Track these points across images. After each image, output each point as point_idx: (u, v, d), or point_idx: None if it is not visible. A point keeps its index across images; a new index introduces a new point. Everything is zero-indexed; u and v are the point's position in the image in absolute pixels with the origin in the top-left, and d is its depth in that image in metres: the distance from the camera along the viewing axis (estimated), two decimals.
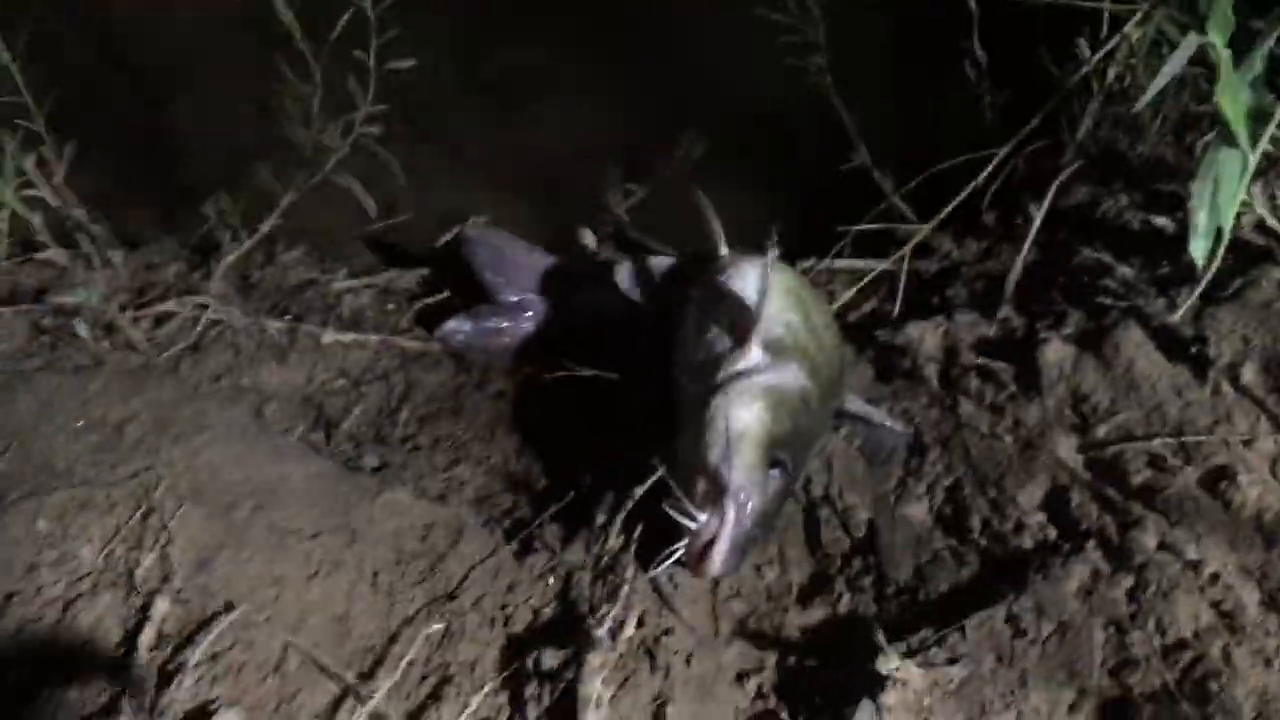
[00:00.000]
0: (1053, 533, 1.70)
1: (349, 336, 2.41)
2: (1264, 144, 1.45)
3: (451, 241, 2.76)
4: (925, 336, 2.12)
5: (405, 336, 2.47)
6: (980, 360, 2.01)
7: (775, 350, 1.85)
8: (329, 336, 2.39)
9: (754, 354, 1.84)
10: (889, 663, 1.51)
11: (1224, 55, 1.42)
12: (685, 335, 2.01)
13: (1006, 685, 1.50)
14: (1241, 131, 1.43)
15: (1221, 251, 1.55)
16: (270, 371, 2.26)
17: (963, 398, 1.98)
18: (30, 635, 1.62)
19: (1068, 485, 1.74)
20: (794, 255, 2.56)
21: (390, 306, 2.63)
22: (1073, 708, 1.46)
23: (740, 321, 1.91)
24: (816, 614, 1.80)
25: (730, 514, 1.64)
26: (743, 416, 1.75)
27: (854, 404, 2.03)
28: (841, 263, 2.54)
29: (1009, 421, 1.88)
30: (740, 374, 1.82)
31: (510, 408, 2.28)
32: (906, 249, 2.37)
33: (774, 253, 1.92)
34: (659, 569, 1.70)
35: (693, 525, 1.66)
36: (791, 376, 1.83)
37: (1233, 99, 1.43)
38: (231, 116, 3.12)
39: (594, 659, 1.54)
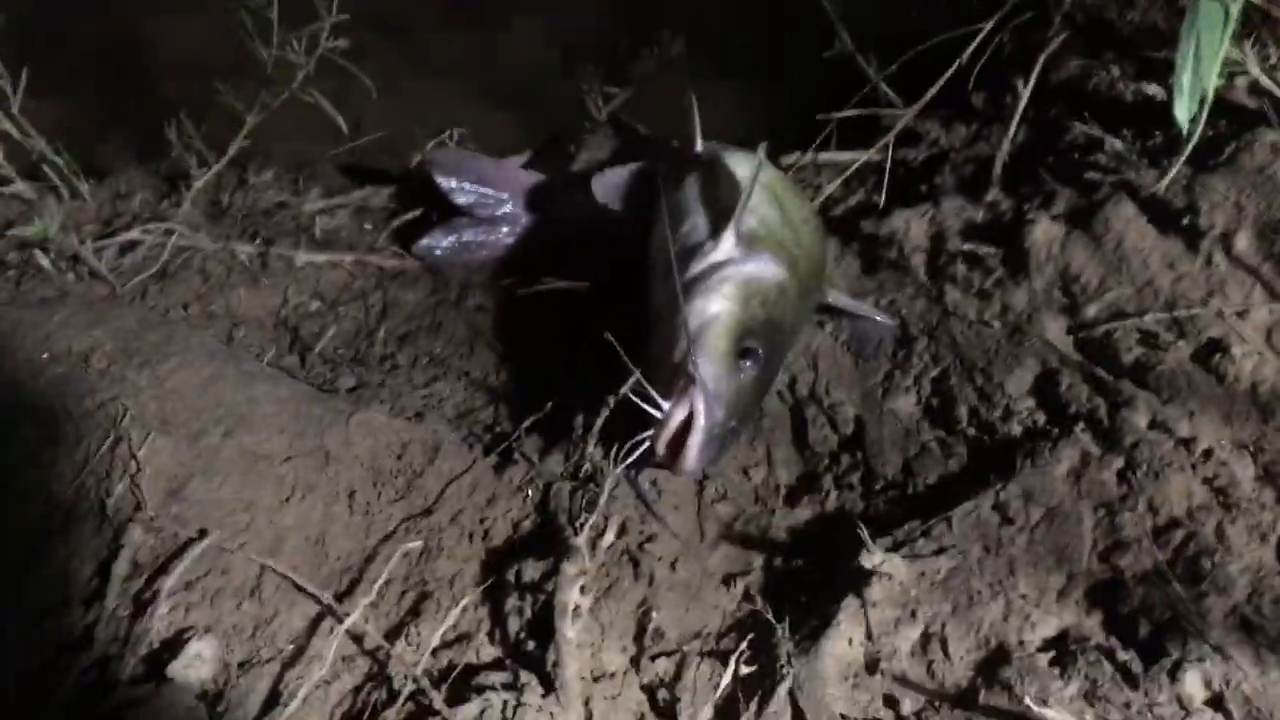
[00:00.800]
0: (1042, 418, 1.65)
1: (322, 257, 2.36)
2: None
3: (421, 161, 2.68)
4: (911, 225, 2.05)
5: (381, 255, 2.41)
6: (967, 246, 1.94)
7: (749, 243, 1.80)
8: (302, 258, 2.33)
9: (727, 245, 1.79)
10: (873, 557, 1.47)
11: None
12: (659, 233, 1.95)
13: (994, 574, 1.46)
14: None
15: (1205, 114, 1.46)
16: (241, 296, 2.21)
17: (949, 286, 1.91)
18: (3, 570, 1.60)
19: (1057, 368, 1.68)
20: (778, 149, 2.49)
21: (366, 226, 2.56)
22: (1062, 593, 1.42)
23: (715, 215, 1.86)
24: (803, 514, 1.76)
25: (699, 402, 1.57)
26: (711, 306, 1.71)
27: (838, 297, 1.98)
28: (826, 155, 2.45)
29: (996, 307, 1.82)
30: (712, 266, 1.77)
31: (489, 322, 2.23)
32: (889, 136, 2.28)
33: (762, 152, 1.88)
34: (628, 463, 1.64)
35: (659, 415, 1.60)
36: (766, 267, 1.78)
37: None
38: (197, 35, 3.04)
39: (570, 568, 1.50)
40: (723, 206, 1.86)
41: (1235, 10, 1.35)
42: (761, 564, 1.69)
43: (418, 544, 1.65)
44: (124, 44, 3.25)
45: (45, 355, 1.83)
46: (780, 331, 1.76)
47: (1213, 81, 1.42)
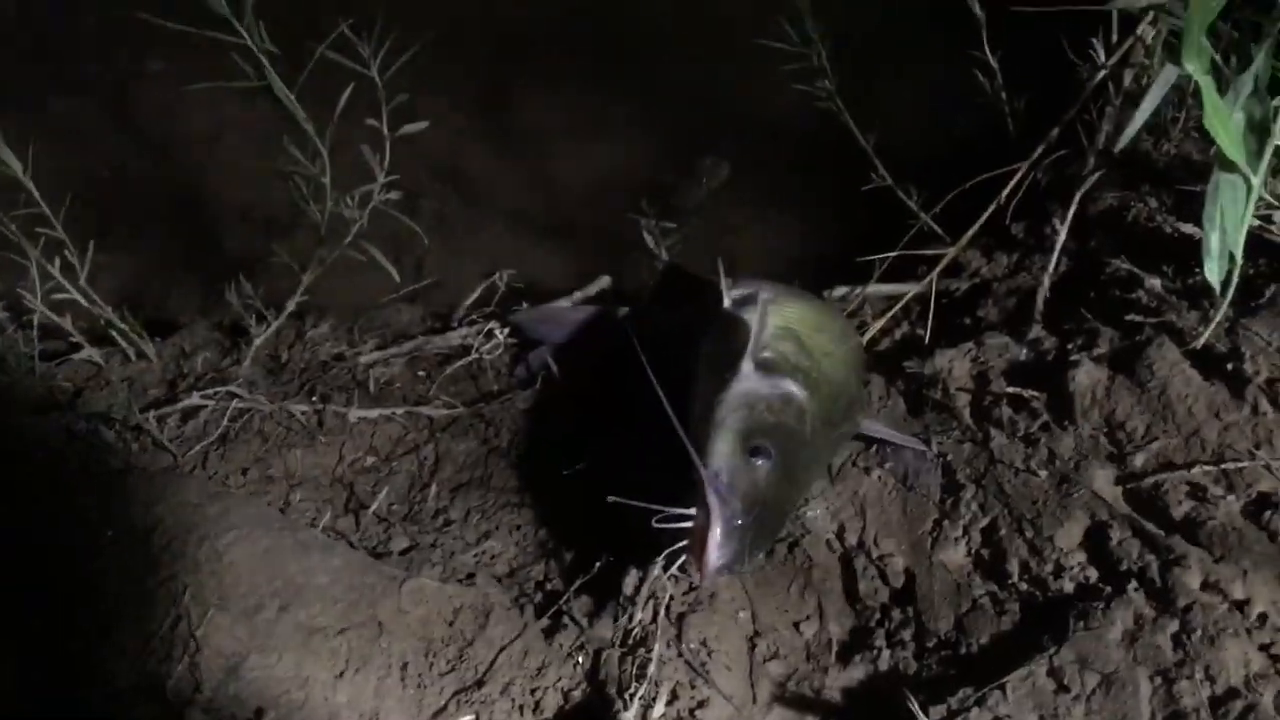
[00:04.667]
0: (1093, 574, 1.62)
1: (375, 412, 2.40)
2: (1268, 160, 1.36)
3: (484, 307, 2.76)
4: (954, 365, 2.05)
5: (433, 405, 2.45)
6: (1011, 389, 1.93)
7: (767, 369, 1.88)
8: (355, 414, 2.38)
9: (744, 370, 1.87)
10: None
11: (1204, 84, 1.33)
12: (696, 384, 1.99)
13: None
14: (1238, 157, 1.34)
15: (1236, 276, 1.45)
16: (299, 457, 2.25)
17: (994, 430, 1.90)
18: None
19: (1106, 521, 1.66)
20: (823, 283, 2.52)
21: (420, 374, 2.62)
22: None
23: (734, 353, 1.93)
24: (857, 674, 1.74)
25: (711, 499, 1.63)
26: (722, 416, 1.80)
27: (871, 426, 2.01)
28: (871, 288, 2.47)
29: (1043, 454, 1.80)
30: (729, 390, 1.84)
31: (537, 471, 2.26)
32: (934, 272, 2.29)
33: (765, 295, 1.94)
34: (667, 573, 1.72)
35: (684, 524, 1.64)
36: (779, 385, 1.86)
37: (1222, 125, 1.34)
38: (256, 183, 3.16)
39: None
40: (739, 344, 1.95)
41: (1257, 183, 1.36)
42: None
43: (470, 718, 1.66)
44: (186, 193, 3.39)
45: (110, 533, 1.88)
46: (796, 441, 1.81)
47: (1240, 246, 1.41)
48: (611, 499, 1.66)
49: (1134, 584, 1.55)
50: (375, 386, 2.54)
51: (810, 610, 1.84)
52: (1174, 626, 1.47)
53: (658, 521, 1.63)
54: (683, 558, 1.69)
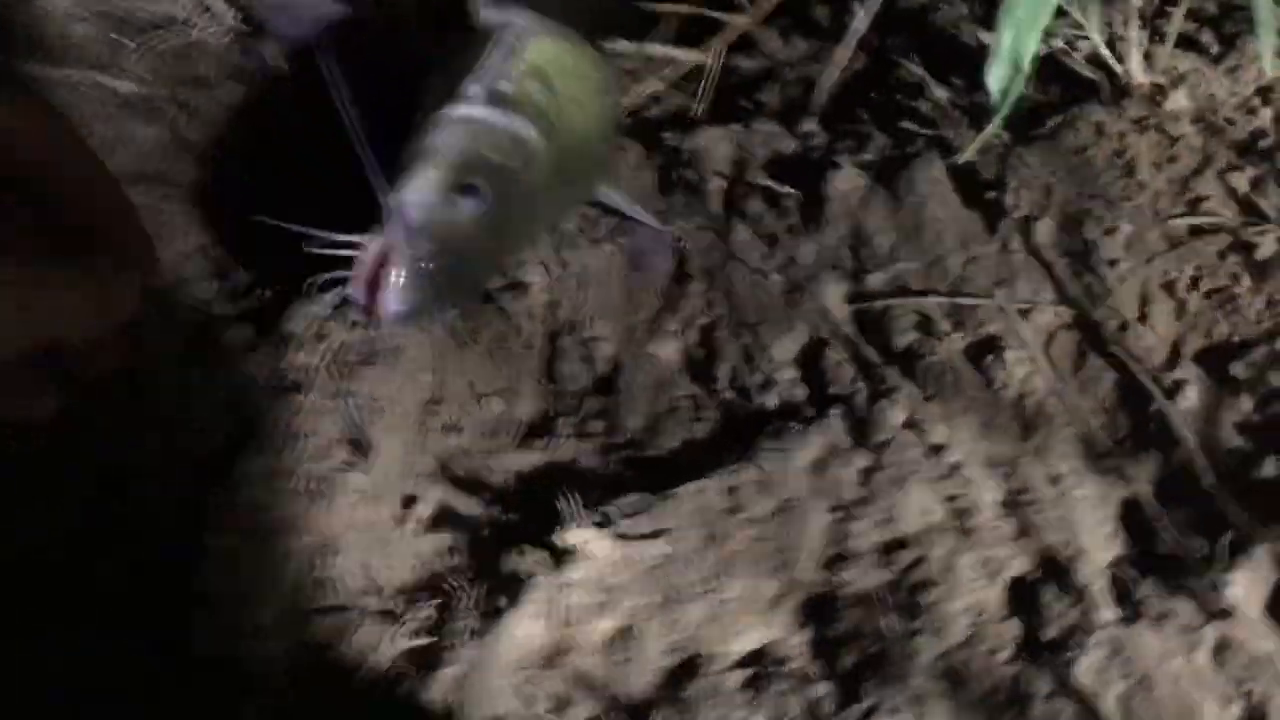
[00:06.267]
0: (800, 393, 1.48)
1: (58, 73, 2.00)
2: None
3: None
4: (716, 146, 1.83)
5: (123, 77, 2.06)
6: (768, 181, 1.73)
7: (499, 101, 1.58)
8: (33, 70, 1.97)
9: (472, 93, 1.57)
10: (575, 535, 1.31)
11: None
12: (424, 99, 1.70)
13: (709, 569, 1.30)
14: None
15: (1020, 84, 1.28)
16: None
17: (740, 223, 1.71)
18: None
19: (825, 339, 1.52)
20: (597, 32, 2.23)
21: (114, 38, 2.19)
22: (773, 603, 1.28)
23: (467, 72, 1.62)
24: (533, 458, 1.56)
25: (395, 232, 1.34)
26: (433, 142, 1.49)
27: (609, 195, 1.77)
28: (654, 49, 2.19)
29: (781, 258, 1.63)
30: (450, 113, 1.54)
31: (223, 173, 1.93)
32: (722, 43, 2.04)
33: (522, 23, 1.66)
34: (326, 303, 1.43)
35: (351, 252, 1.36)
36: (509, 120, 1.57)
37: None
38: None
39: None
40: (475, 63, 1.64)
41: None
42: (480, 509, 1.51)
43: None
44: None
45: None
46: (516, 189, 1.54)
47: (1031, 49, 1.23)
48: (263, 219, 1.36)
49: (839, 410, 1.42)
50: (60, 44, 2.12)
51: (502, 384, 1.64)
52: (864, 461, 1.35)
53: (314, 247, 1.35)
54: (346, 291, 1.39)
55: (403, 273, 1.36)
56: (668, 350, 1.63)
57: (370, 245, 1.36)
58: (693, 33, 2.25)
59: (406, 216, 1.39)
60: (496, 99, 1.59)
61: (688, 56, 2.05)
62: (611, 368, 1.65)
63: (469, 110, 1.56)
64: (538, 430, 1.60)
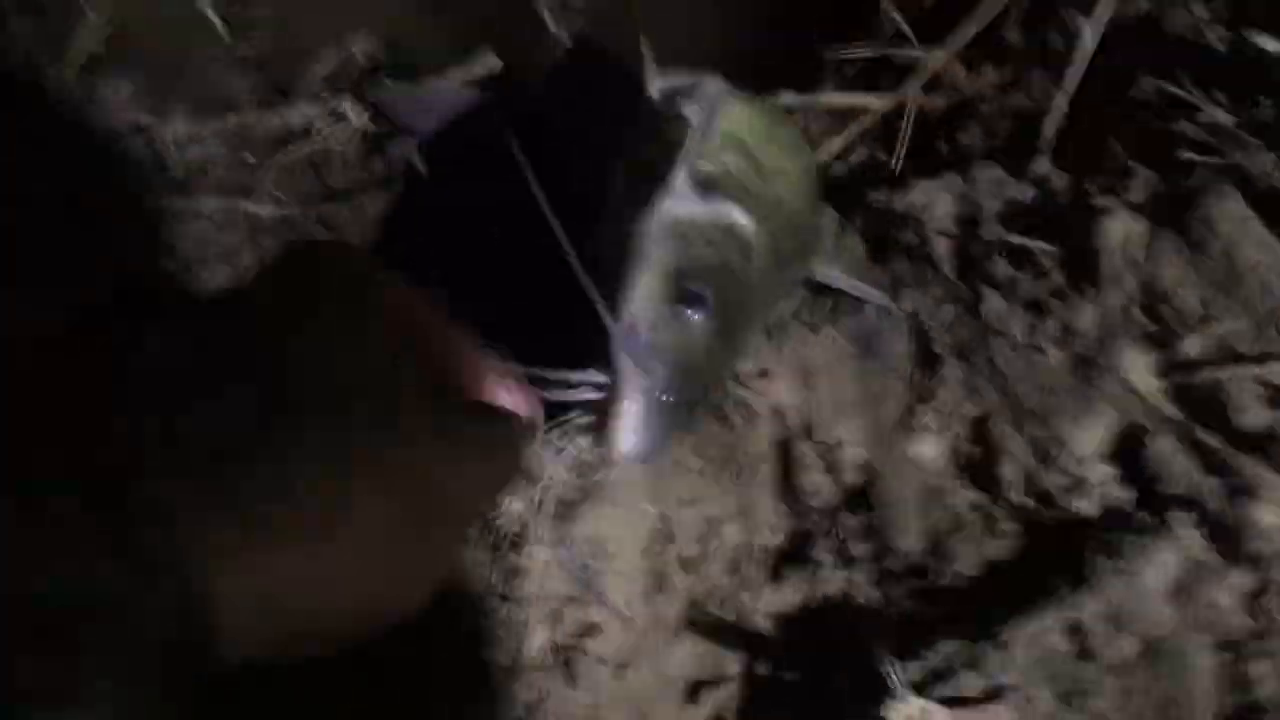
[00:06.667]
0: (1124, 494, 1.22)
1: (178, 203, 1.84)
2: None
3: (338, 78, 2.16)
4: (935, 201, 1.59)
5: (257, 199, 1.90)
6: (1013, 237, 1.48)
7: (707, 187, 1.35)
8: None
9: (678, 186, 1.34)
10: (903, 707, 1.06)
11: None
12: (607, 204, 1.48)
13: None
14: None
15: None
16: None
17: (987, 289, 1.46)
18: None
19: (1144, 425, 1.25)
20: (763, 85, 2.01)
21: (244, 159, 2.04)
22: None
23: (664, 163, 1.38)
24: (793, 596, 1.33)
25: (624, 364, 1.14)
26: (645, 248, 1.27)
27: (827, 273, 1.53)
28: (835, 98, 1.96)
29: (1054, 328, 1.37)
30: (656, 212, 1.31)
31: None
32: (913, 82, 1.80)
33: (712, 89, 1.45)
34: (559, 452, 1.26)
35: (585, 394, 1.15)
36: (721, 209, 1.34)
37: None
38: None
39: None
40: (675, 149, 1.39)
41: None
42: (740, 670, 1.27)
43: None
44: None
45: None
46: (739, 286, 1.31)
47: None
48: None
49: (1183, 514, 1.15)
50: (183, 170, 1.96)
51: (733, 509, 1.41)
52: (1244, 580, 1.09)
53: (553, 396, 1.13)
54: (579, 435, 1.22)
55: (637, 408, 1.14)
56: (931, 451, 1.39)
57: (612, 381, 1.13)
58: (856, 76, 2.04)
59: (636, 342, 1.16)
60: (700, 183, 1.37)
61: (880, 103, 1.81)
62: (863, 477, 1.41)
63: (677, 206, 1.33)
64: (789, 558, 1.36)
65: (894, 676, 1.06)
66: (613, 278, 1.26)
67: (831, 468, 1.42)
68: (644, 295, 1.23)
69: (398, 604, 0.64)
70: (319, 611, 0.57)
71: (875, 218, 1.65)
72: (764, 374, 1.50)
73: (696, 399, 1.25)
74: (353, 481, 0.57)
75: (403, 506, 0.60)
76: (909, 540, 1.31)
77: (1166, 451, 1.21)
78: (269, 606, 0.54)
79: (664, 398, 1.15)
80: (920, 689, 1.08)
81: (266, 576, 0.53)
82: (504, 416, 0.75)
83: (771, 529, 1.40)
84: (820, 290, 1.57)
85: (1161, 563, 1.12)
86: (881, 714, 1.04)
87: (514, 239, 1.57)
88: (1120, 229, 1.39)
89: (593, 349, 1.19)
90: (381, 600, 0.62)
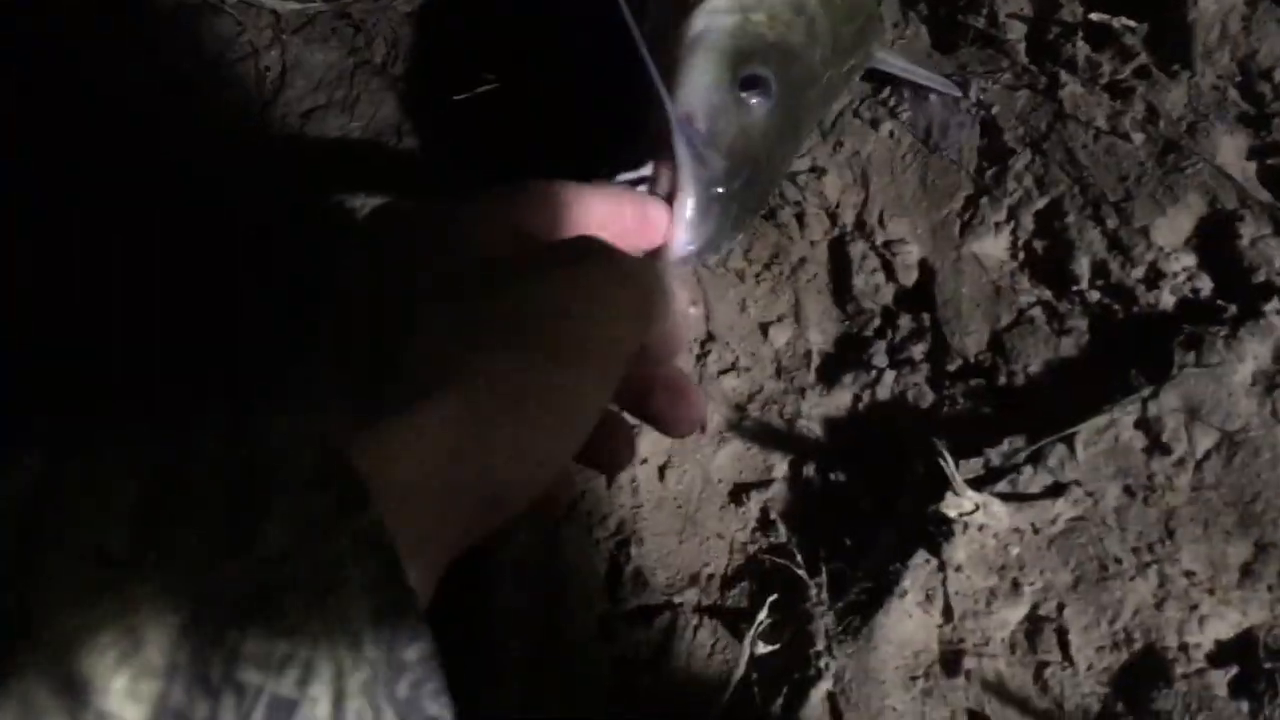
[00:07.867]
0: (1207, 285, 1.13)
1: None
2: None
3: None
4: None
5: None
6: (1094, 15, 1.35)
7: None
8: None
9: None
10: (960, 504, 1.00)
11: None
12: None
13: (1142, 533, 0.99)
14: None
15: None
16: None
17: (1065, 73, 1.34)
18: None
19: (1234, 211, 1.15)
20: None
21: None
22: (1246, 571, 0.95)
23: None
24: (844, 398, 1.26)
25: (682, 153, 0.99)
26: (700, 27, 1.12)
27: (888, 59, 1.40)
28: None
29: (1139, 110, 1.26)
30: None
31: (422, 95, 1.65)
32: None
33: None
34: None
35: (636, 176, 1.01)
36: None
37: None
38: None
39: None
40: None
41: None
42: (786, 472, 1.21)
43: None
44: None
45: None
46: (803, 70, 1.19)
47: None
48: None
49: (1274, 303, 1.06)
50: None
51: (784, 310, 1.33)
52: None
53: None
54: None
55: (694, 203, 1.04)
56: (996, 246, 1.29)
57: (662, 174, 1.03)
58: None
59: (692, 130, 1.06)
60: None
61: None
62: (921, 275, 1.32)
63: None
64: (841, 363, 1.29)
65: (951, 473, 0.99)
66: (665, 56, 1.16)
67: (887, 266, 1.33)
68: (701, 80, 1.11)
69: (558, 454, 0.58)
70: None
71: (939, 1, 1.52)
72: (816, 170, 1.40)
73: (755, 195, 1.16)
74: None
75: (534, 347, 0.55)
76: (970, 340, 1.24)
77: (1258, 238, 1.11)
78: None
79: (719, 191, 1.05)
80: (978, 486, 1.02)
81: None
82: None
83: (822, 331, 1.32)
84: (880, 82, 1.45)
85: (1246, 353, 1.03)
86: (938, 510, 0.98)
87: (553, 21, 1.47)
88: (1215, 1, 1.26)
89: (638, 143, 1.10)
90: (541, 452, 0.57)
